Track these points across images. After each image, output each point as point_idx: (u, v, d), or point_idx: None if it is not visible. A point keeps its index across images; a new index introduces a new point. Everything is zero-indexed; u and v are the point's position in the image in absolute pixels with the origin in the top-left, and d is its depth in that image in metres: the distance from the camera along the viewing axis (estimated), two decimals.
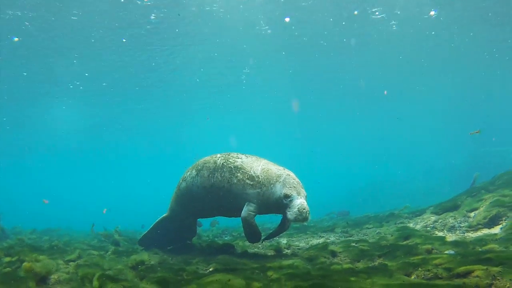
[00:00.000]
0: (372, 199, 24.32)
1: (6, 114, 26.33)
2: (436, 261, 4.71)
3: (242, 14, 16.55)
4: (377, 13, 17.34)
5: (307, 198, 6.00)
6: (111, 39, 17.39)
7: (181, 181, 7.46)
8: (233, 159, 6.70)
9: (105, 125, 32.79)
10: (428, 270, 4.31)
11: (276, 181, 6.09)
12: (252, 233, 6.33)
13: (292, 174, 6.33)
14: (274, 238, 8.26)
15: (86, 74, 21.24)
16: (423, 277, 4.28)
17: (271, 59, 22.13)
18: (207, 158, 7.16)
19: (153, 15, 15.75)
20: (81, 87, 22.96)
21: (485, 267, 4.02)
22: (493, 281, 3.81)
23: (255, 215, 6.28)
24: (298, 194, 5.89)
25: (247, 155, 6.84)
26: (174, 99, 27.64)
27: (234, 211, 6.63)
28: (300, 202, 5.76)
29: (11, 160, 40.24)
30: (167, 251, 7.57)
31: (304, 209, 5.66)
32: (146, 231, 8.17)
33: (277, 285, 3.81)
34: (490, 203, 8.05)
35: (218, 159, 6.86)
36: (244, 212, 6.22)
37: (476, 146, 30.95)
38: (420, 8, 17.10)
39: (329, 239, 8.92)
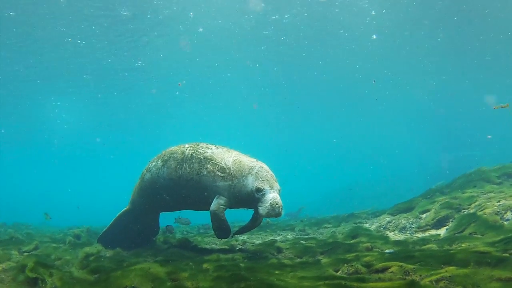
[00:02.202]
0: (347, 201, 24.67)
1: None
2: (366, 259, 4.97)
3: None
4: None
5: (280, 192, 5.74)
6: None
7: (144, 171, 7.00)
8: (202, 149, 6.36)
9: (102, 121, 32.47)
10: (352, 266, 4.56)
11: (249, 173, 5.79)
12: (221, 228, 6.00)
13: (265, 166, 6.01)
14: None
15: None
16: (346, 272, 4.53)
17: (249, 58, 22.31)
18: (173, 148, 6.75)
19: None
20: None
21: (400, 264, 4.29)
22: (406, 277, 4.08)
23: (225, 209, 5.97)
24: (271, 188, 5.60)
25: (217, 146, 6.51)
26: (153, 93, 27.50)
27: (203, 205, 6.32)
28: (272, 196, 5.47)
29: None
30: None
31: (277, 204, 5.36)
32: (106, 228, 7.56)
33: (202, 275, 4.02)
34: (440, 205, 8.37)
35: (186, 149, 6.50)
36: (213, 206, 5.89)
37: (447, 150, 31.55)
38: None
39: (286, 236, 9.18)
